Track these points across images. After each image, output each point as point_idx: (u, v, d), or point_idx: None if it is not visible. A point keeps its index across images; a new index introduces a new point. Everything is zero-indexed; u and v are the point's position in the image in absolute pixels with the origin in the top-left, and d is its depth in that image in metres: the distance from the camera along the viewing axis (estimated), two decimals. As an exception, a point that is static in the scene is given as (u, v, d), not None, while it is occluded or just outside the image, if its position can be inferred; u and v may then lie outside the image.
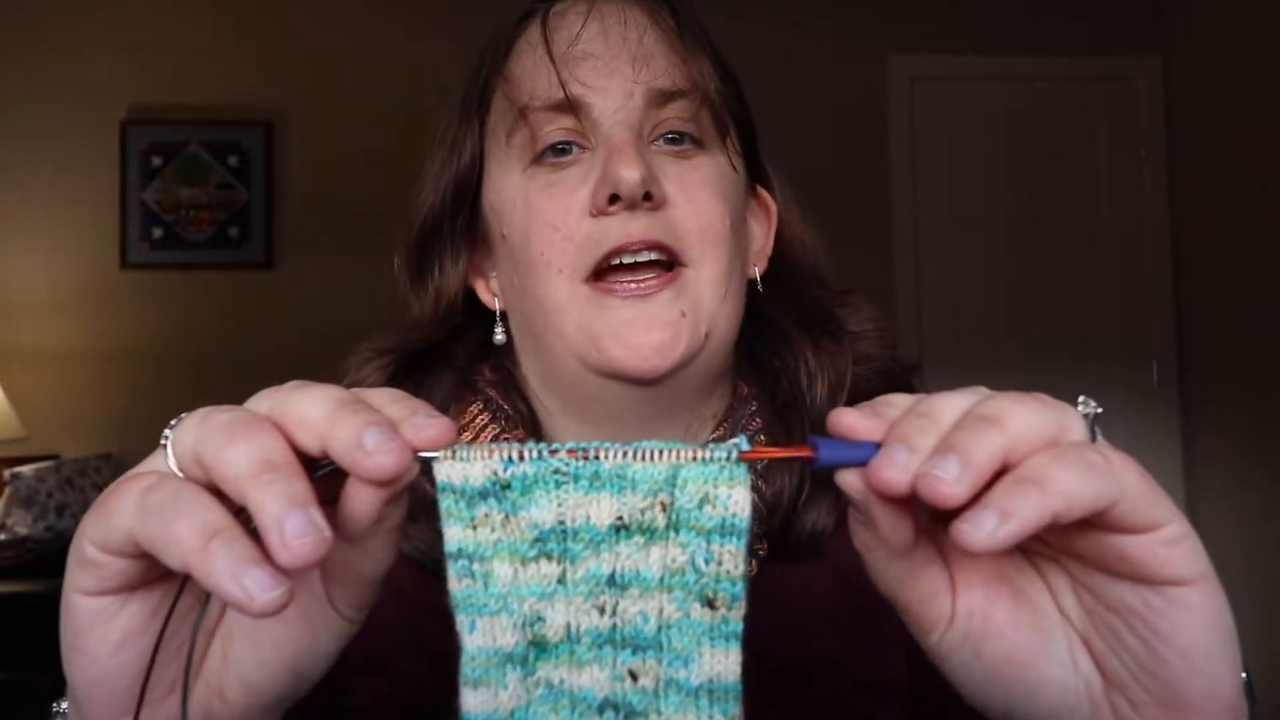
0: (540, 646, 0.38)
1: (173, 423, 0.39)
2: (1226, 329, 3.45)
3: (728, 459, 0.38)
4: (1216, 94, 3.49)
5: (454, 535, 0.38)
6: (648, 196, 0.64)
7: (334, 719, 0.64)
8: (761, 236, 0.76)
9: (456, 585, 0.38)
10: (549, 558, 0.38)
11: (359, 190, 3.38)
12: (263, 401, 0.38)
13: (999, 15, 3.74)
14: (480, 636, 0.38)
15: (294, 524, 0.34)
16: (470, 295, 0.74)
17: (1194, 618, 0.36)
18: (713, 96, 0.68)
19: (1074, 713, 0.39)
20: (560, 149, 0.67)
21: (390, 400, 0.39)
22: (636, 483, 0.38)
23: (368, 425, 0.36)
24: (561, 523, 0.38)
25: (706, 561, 0.38)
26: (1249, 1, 3.29)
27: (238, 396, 0.40)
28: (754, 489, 0.38)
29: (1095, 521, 0.36)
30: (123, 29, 3.48)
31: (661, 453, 0.38)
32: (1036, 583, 0.41)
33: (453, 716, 0.38)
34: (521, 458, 0.38)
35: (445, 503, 0.37)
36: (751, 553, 0.36)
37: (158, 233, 3.48)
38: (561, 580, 0.38)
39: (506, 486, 0.38)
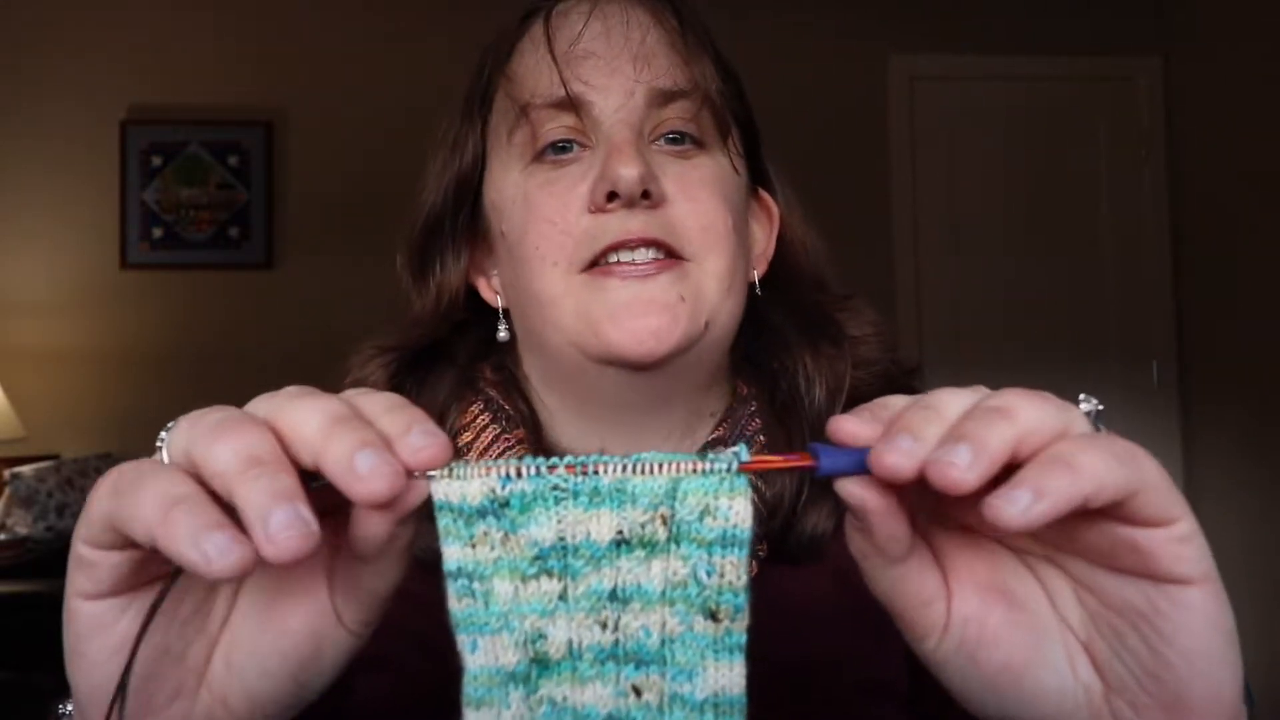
0: (542, 664, 0.38)
1: (169, 426, 0.39)
2: (1226, 329, 3.45)
3: (728, 470, 0.37)
4: (1217, 94, 3.49)
5: (453, 554, 0.37)
6: (646, 195, 0.64)
7: (336, 718, 0.64)
8: (763, 239, 0.76)
9: (457, 605, 0.37)
10: (550, 574, 0.38)
11: (359, 190, 3.38)
12: (259, 407, 0.38)
13: (999, 15, 3.74)
14: (482, 656, 0.37)
15: (279, 518, 0.33)
16: (473, 294, 0.75)
17: (1198, 619, 0.36)
18: (714, 97, 0.68)
19: (1073, 718, 0.39)
20: (561, 147, 0.68)
21: (386, 409, 0.38)
22: (636, 496, 0.38)
23: (361, 446, 0.35)
24: (561, 539, 0.38)
25: (708, 574, 0.37)
26: (1250, 1, 3.29)
27: (238, 397, 0.40)
28: (753, 488, 0.38)
29: (1112, 512, 0.36)
30: (123, 29, 3.47)
31: (661, 465, 0.38)
32: (1033, 589, 0.41)
33: (454, 714, 0.38)
34: (519, 475, 0.37)
35: (443, 521, 0.37)
36: (751, 554, 0.36)
37: (158, 233, 3.48)
38: (563, 597, 0.38)
39: (505, 504, 0.37)
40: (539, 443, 0.71)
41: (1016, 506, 0.33)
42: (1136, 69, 3.81)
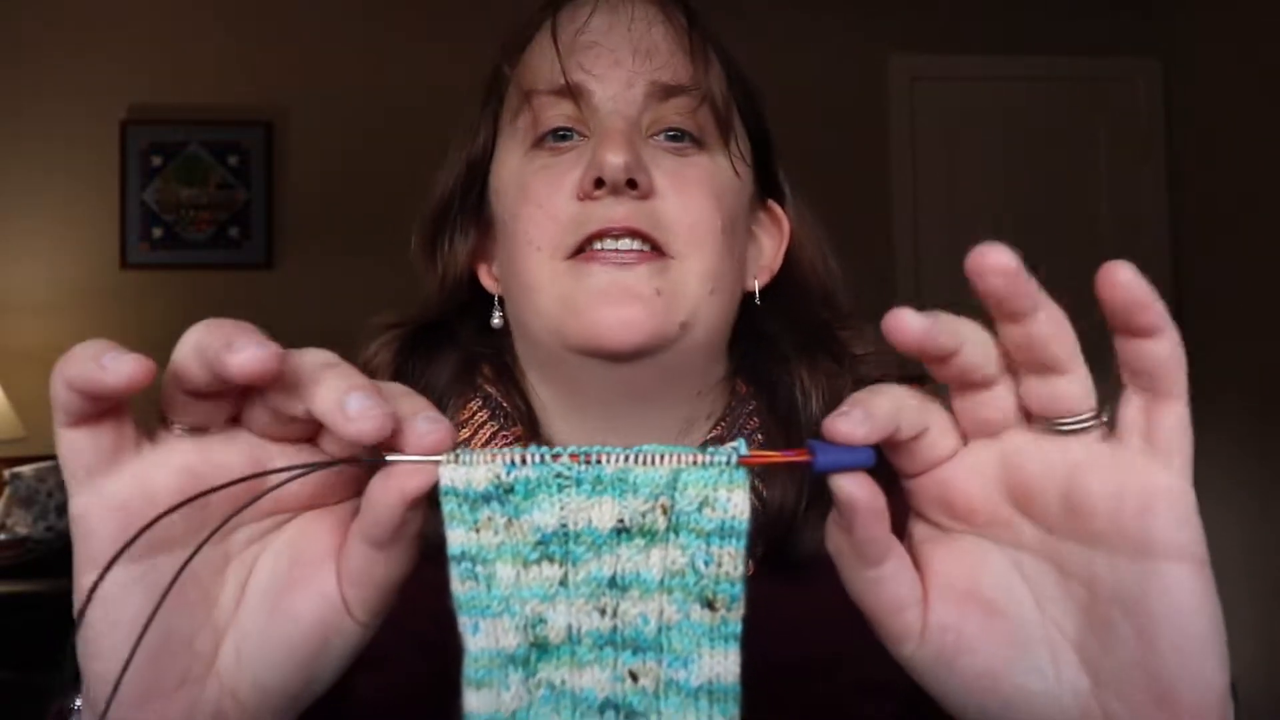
0: (542, 648, 0.38)
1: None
2: (1226, 329, 3.45)
3: (727, 463, 0.38)
4: (1216, 95, 3.49)
5: (457, 538, 0.38)
6: (634, 185, 0.64)
7: (335, 715, 0.64)
8: (770, 251, 0.76)
9: (460, 587, 0.38)
10: (551, 560, 0.38)
11: (359, 190, 3.38)
12: None
13: (999, 15, 3.74)
14: (483, 638, 0.38)
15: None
16: (477, 282, 0.76)
17: (1187, 598, 0.36)
18: (716, 97, 0.69)
19: None
20: (561, 135, 0.68)
21: (394, 396, 0.39)
22: (638, 486, 0.38)
23: (351, 390, 0.36)
24: (563, 526, 0.38)
25: (706, 563, 0.38)
26: (1248, 3, 3.30)
27: (237, 397, 0.40)
28: (752, 489, 0.39)
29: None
30: (123, 29, 3.47)
31: (662, 457, 0.38)
32: (1017, 592, 0.40)
33: (453, 709, 0.38)
34: (524, 462, 0.38)
35: (448, 506, 0.38)
36: (750, 553, 0.37)
37: (158, 233, 3.48)
38: (563, 582, 0.38)
39: (509, 490, 0.38)
40: (536, 440, 0.71)
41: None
42: (1135, 70, 3.82)
